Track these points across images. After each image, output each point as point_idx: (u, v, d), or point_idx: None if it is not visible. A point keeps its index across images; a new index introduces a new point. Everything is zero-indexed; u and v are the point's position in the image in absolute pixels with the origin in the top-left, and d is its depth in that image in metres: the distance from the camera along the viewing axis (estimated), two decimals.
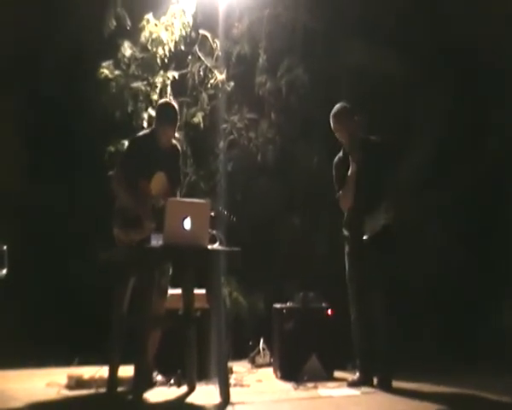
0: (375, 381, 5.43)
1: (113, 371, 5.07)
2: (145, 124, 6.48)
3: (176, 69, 6.76)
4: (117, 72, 6.60)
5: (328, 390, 5.32)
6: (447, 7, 7.04)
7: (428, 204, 7.05)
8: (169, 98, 6.56)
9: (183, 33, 6.68)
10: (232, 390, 4.98)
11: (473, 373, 5.78)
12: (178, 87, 6.80)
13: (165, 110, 5.34)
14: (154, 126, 5.39)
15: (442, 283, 7.06)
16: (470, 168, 7.16)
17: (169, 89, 6.68)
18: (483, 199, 7.23)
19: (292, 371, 5.68)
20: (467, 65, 7.18)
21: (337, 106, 5.57)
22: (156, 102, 6.46)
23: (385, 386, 5.34)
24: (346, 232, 5.62)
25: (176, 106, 5.39)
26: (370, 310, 5.46)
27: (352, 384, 5.45)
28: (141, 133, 5.50)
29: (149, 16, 6.60)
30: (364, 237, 5.40)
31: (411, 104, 6.94)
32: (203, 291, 5.35)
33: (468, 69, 7.18)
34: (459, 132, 7.18)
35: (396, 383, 5.38)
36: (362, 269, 5.49)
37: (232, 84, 6.89)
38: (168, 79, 6.68)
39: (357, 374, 5.50)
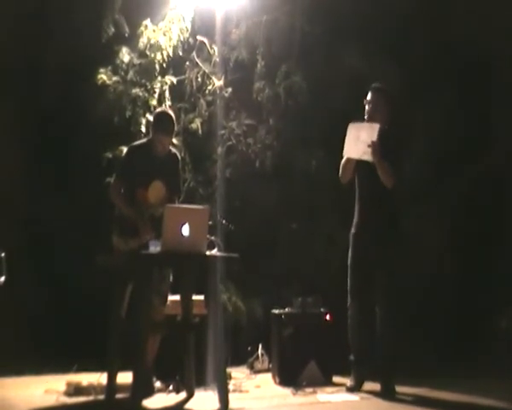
0: (379, 388, 5.42)
1: (111, 378, 5.06)
2: (143, 129, 6.49)
3: (173, 75, 6.77)
4: (115, 78, 6.61)
5: (326, 396, 5.32)
6: (448, 12, 7.04)
7: (428, 205, 7.05)
8: (167, 104, 6.57)
9: (181, 39, 6.68)
10: (231, 396, 5.00)
11: (472, 377, 5.78)
12: (176, 93, 6.81)
13: (160, 119, 5.31)
14: (150, 135, 5.39)
15: (441, 284, 7.05)
16: (470, 170, 7.18)
17: (167, 94, 6.69)
18: (483, 200, 7.22)
19: (290, 377, 5.68)
20: (467, 68, 7.18)
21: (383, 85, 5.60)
22: (154, 107, 6.48)
23: (389, 393, 5.32)
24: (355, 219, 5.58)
25: (172, 115, 5.36)
26: (373, 307, 5.43)
27: (351, 390, 5.45)
28: (137, 142, 5.51)
29: (147, 22, 6.61)
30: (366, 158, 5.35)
31: (410, 109, 6.93)
32: (201, 297, 5.35)
33: (468, 73, 7.18)
34: (459, 135, 7.18)
35: (396, 388, 5.38)
36: (366, 256, 5.45)
37: (230, 90, 6.88)
38: (166, 84, 6.69)
39: (352, 376, 5.50)
